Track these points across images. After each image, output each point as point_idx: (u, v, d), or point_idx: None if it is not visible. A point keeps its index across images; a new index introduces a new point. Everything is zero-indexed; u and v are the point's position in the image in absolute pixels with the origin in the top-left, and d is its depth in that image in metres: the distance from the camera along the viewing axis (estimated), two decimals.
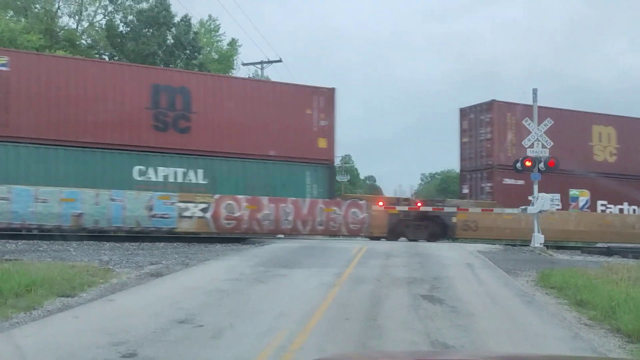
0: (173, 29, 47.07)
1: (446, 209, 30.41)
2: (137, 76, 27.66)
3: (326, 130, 29.68)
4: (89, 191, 24.99)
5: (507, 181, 31.44)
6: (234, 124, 28.30)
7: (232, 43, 58.08)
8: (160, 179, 26.89)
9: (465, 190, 34.37)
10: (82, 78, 26.26)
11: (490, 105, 32.71)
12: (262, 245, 24.04)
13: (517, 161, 28.06)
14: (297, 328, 9.27)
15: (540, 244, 26.92)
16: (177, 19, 47.57)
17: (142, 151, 26.62)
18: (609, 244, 30.40)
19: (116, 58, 45.98)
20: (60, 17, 45.42)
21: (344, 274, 15.60)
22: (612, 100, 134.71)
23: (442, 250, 23.53)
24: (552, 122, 27.67)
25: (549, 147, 27.33)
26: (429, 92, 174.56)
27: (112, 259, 17.97)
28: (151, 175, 26.78)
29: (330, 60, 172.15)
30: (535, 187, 27.64)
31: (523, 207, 28.38)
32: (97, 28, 46.46)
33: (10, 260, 15.62)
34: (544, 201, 27.09)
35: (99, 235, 25.18)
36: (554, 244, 30.24)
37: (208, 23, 57.77)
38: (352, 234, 29.59)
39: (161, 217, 25.97)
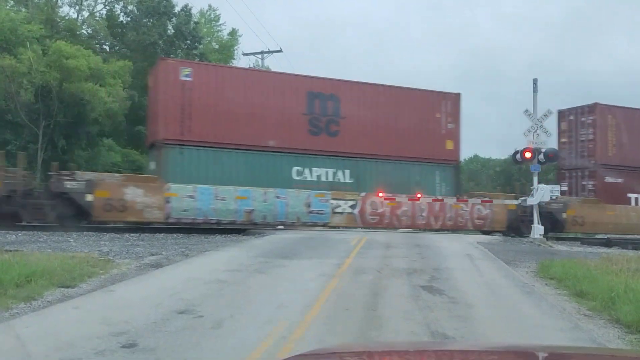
0: (173, 19, 46.87)
1: (554, 205, 31.75)
2: (295, 85, 29.91)
3: (453, 133, 31.64)
4: (259, 190, 27.82)
5: (609, 179, 33.23)
6: (375, 128, 30.28)
7: (233, 33, 57.89)
8: (314, 179, 29.33)
9: (564, 188, 35.45)
10: (249, 86, 28.70)
11: (592, 108, 34.14)
12: (262, 236, 24.08)
13: (516, 152, 28.07)
14: (297, 318, 9.28)
15: (540, 235, 26.92)
16: (177, 9, 47.37)
17: (299, 153, 29.05)
18: (608, 235, 30.98)
19: (117, 48, 45.87)
20: (61, 6, 45.23)
21: (343, 264, 15.63)
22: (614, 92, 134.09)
23: (442, 241, 23.56)
24: (552, 113, 27.74)
25: (549, 137, 27.35)
26: (429, 82, 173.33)
27: (112, 249, 17.99)
28: (307, 175, 29.21)
29: (330, 49, 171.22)
30: (535, 179, 27.68)
31: (523, 198, 28.43)
32: (97, 18, 46.22)
33: (11, 251, 15.64)
34: (543, 192, 27.12)
35: (99, 226, 25.30)
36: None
37: (208, 13, 57.60)
38: (477, 228, 31.42)
39: (317, 213, 28.94)
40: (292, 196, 28.38)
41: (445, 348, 4.62)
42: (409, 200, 30.03)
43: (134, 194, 25.67)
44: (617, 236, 31.46)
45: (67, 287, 11.47)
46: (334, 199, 29.02)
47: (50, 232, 22.61)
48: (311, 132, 29.30)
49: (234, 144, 27.75)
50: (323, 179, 29.40)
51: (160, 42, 45.03)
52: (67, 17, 44.69)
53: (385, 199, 29.63)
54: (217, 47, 55.97)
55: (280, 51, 53.20)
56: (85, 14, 46.40)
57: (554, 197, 28.54)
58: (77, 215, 25.27)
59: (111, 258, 15.92)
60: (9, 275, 11.06)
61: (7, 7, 39.04)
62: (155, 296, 10.85)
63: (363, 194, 29.48)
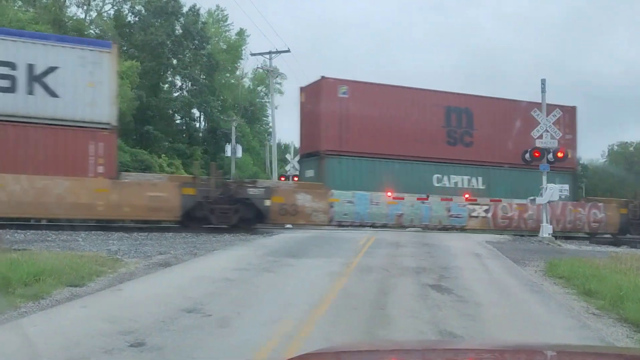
0: (181, 19, 47.00)
1: None
2: (434, 100, 32.76)
3: (570, 143, 34.03)
4: (406, 195, 30.51)
5: None
6: (503, 138, 32.83)
7: (240, 33, 58.10)
8: (452, 185, 32.46)
9: None
10: (396, 101, 31.81)
11: None
12: (270, 236, 24.10)
13: (525, 152, 28.09)
14: (304, 317, 9.28)
15: (549, 234, 26.90)
16: (185, 9, 47.51)
17: (438, 162, 32.07)
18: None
19: (124, 48, 45.99)
20: (68, 7, 45.38)
21: (351, 263, 15.62)
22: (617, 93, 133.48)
23: (450, 240, 23.52)
24: (561, 113, 27.74)
25: (557, 137, 27.33)
26: (432, 82, 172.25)
27: (121, 248, 18.00)
28: (445, 182, 32.42)
29: (332, 49, 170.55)
30: (544, 178, 27.61)
31: (532, 197, 28.42)
32: (105, 18, 46.41)
33: (19, 250, 15.68)
34: (552, 192, 27.10)
35: (107, 226, 25.41)
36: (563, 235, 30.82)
37: (216, 13, 57.84)
38: (592, 231, 33.29)
39: (456, 217, 31.51)
40: (435, 201, 31.13)
41: (453, 347, 4.61)
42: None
43: (304, 200, 28.50)
44: (625, 235, 31.68)
45: (76, 286, 11.49)
46: (470, 204, 31.75)
47: (58, 231, 22.63)
48: (449, 142, 32.37)
49: (383, 153, 30.84)
50: (459, 185, 32.47)
51: (168, 42, 45.18)
52: (74, 18, 44.84)
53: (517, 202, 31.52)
54: (225, 47, 56.09)
55: (288, 51, 52.95)
56: (93, 14, 46.64)
57: (562, 197, 28.61)
58: (256, 219, 27.95)
59: (119, 257, 15.94)
60: (17, 274, 11.09)
61: (15, 8, 39.16)
62: (163, 295, 10.86)
63: (496, 199, 32.22)
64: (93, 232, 23.01)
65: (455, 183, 32.45)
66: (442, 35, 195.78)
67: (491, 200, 32.09)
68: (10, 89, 23.70)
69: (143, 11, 46.19)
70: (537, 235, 27.94)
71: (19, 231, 21.90)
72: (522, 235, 29.08)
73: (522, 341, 7.98)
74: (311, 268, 14.78)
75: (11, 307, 9.50)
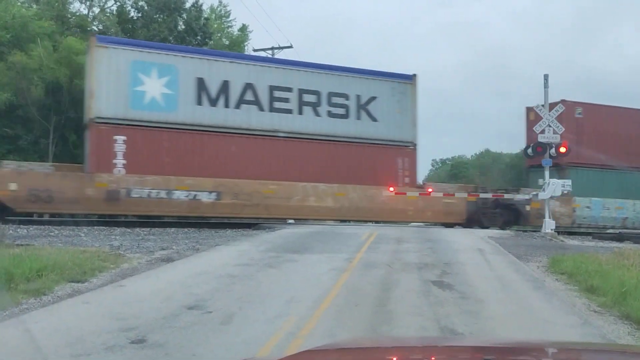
0: (184, 15, 46.88)
1: None
2: (636, 118, 36.51)
3: None
4: (630, 201, 35.18)
5: None
6: None
7: (243, 29, 57.82)
8: None
9: None
10: (619, 120, 36.08)
11: None
12: (272, 231, 24.06)
13: (527, 147, 28.11)
14: (307, 313, 9.27)
15: (552, 229, 26.83)
16: (188, 5, 47.37)
17: None
18: (620, 230, 31.77)
19: None
20: (72, 2, 45.24)
21: (354, 259, 15.60)
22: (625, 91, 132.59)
23: (453, 235, 23.46)
24: (564, 109, 27.70)
25: (560, 132, 27.30)
26: (438, 79, 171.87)
27: (123, 244, 18.01)
28: None
29: (334, 46, 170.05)
30: (547, 173, 27.56)
31: (534, 192, 28.39)
32: (108, 14, 46.27)
33: (22, 245, 15.70)
34: (555, 187, 27.02)
35: (110, 221, 25.47)
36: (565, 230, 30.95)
37: (219, 9, 57.55)
38: None
39: None
40: None
41: (455, 344, 4.61)
42: None
43: (554, 205, 30.45)
44: (628, 230, 31.78)
45: (78, 281, 11.51)
46: None
47: (61, 226, 22.65)
48: None
49: (610, 164, 34.38)
50: None
51: (171, 38, 45.06)
52: (77, 13, 44.75)
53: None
54: (227, 43, 55.93)
55: (290, 47, 52.85)
56: (96, 10, 46.44)
57: (565, 192, 28.58)
58: (514, 221, 32.07)
59: (122, 252, 15.96)
60: (20, 269, 11.11)
61: (19, 4, 39.13)
62: (166, 291, 10.87)
63: None
64: (95, 227, 23.01)
65: None
66: (446, 32, 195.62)
67: None
68: (345, 116, 29.73)
69: (146, 7, 46.05)
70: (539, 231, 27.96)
71: (21, 226, 21.91)
72: (525, 231, 29.11)
73: (523, 338, 7.97)
74: (313, 264, 14.78)
75: (14, 303, 9.52)
